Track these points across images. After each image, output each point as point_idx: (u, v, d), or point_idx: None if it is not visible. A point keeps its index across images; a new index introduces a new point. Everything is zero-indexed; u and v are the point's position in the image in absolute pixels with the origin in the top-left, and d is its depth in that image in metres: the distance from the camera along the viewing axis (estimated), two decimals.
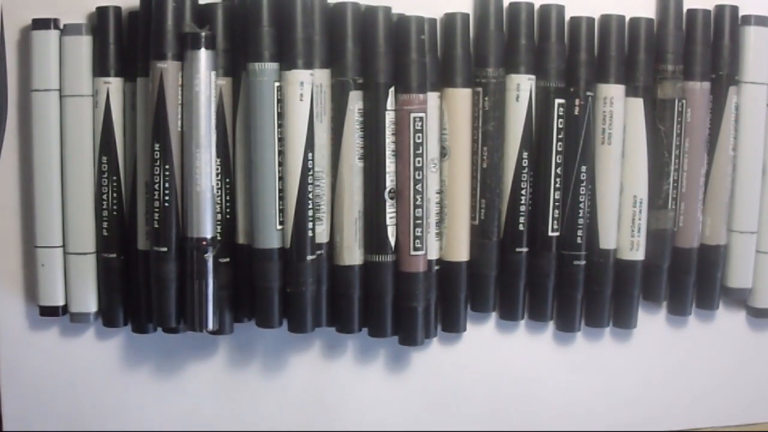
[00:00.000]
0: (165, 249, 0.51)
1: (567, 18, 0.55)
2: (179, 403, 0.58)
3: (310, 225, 0.53)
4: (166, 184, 0.51)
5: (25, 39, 0.54)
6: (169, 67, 0.51)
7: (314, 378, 0.58)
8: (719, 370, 0.59)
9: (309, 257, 0.53)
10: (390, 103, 0.53)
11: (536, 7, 0.55)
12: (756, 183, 0.56)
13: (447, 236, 0.56)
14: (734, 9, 0.56)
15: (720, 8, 0.55)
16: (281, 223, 0.52)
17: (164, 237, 0.51)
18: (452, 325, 0.57)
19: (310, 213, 0.53)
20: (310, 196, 0.52)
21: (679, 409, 0.60)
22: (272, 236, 0.52)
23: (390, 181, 0.53)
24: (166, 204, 0.51)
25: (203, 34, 0.50)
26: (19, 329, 0.56)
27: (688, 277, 0.57)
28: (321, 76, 0.53)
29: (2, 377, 0.56)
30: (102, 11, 0.53)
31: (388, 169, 0.53)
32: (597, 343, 0.59)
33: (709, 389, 0.60)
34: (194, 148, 0.50)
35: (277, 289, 0.53)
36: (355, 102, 0.53)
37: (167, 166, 0.51)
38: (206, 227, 0.51)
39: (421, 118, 0.53)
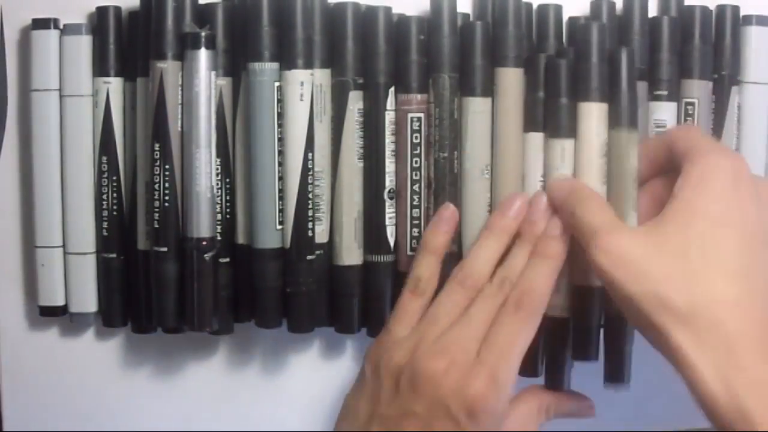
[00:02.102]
0: (165, 249, 0.51)
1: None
2: (179, 403, 0.58)
3: (310, 225, 0.53)
4: (166, 184, 0.51)
5: (25, 39, 0.54)
6: (169, 67, 0.51)
7: (314, 378, 0.58)
8: None
9: (309, 257, 0.53)
10: (390, 103, 0.53)
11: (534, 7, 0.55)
12: None
13: None
14: (735, 9, 0.55)
15: (721, 8, 0.55)
16: (281, 223, 0.52)
17: (164, 237, 0.51)
18: None
19: (310, 213, 0.53)
20: (310, 196, 0.52)
21: (678, 409, 0.60)
22: (272, 236, 0.52)
23: (389, 181, 0.53)
24: (166, 204, 0.51)
25: (203, 34, 0.50)
26: (19, 329, 0.56)
27: None
28: (321, 76, 0.52)
29: (2, 377, 0.56)
30: (102, 11, 0.53)
31: (387, 169, 0.53)
32: None
33: None
34: (194, 148, 0.50)
35: (277, 289, 0.53)
36: (355, 102, 0.53)
37: (167, 166, 0.51)
38: (206, 227, 0.51)
39: (419, 119, 0.53)
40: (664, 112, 0.54)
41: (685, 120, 0.54)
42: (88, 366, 0.57)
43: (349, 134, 0.53)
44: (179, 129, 0.51)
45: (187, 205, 0.51)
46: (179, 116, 0.51)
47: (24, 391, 0.57)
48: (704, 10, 0.54)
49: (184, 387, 0.58)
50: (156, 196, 0.51)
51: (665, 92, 0.54)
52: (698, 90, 0.54)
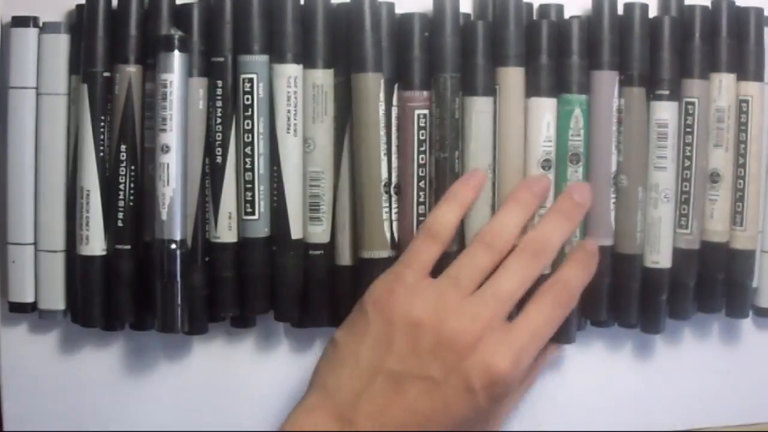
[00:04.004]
0: (128, 247, 0.53)
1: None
2: (178, 403, 0.57)
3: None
4: (132, 185, 0.52)
5: (4, 36, 0.53)
6: (136, 71, 0.51)
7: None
8: (721, 369, 0.59)
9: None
10: (394, 99, 0.53)
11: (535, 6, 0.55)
12: (762, 182, 0.56)
13: None
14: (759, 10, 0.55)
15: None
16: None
17: (128, 237, 0.53)
18: None
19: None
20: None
21: (679, 409, 0.60)
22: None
23: (394, 177, 0.53)
24: (131, 204, 0.52)
25: (176, 36, 0.50)
26: (19, 330, 0.56)
27: (689, 280, 0.56)
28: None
29: (3, 377, 0.56)
30: (82, 9, 0.53)
31: (393, 165, 0.53)
32: (597, 342, 0.58)
33: (709, 389, 0.59)
34: (164, 150, 0.50)
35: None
36: None
37: (133, 167, 0.52)
38: (176, 229, 0.51)
39: (425, 115, 0.53)
40: (665, 112, 0.54)
41: (686, 119, 0.54)
42: (89, 366, 0.57)
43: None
44: (148, 131, 0.52)
45: (155, 206, 0.51)
46: (145, 118, 0.52)
47: (24, 391, 0.56)
48: (704, 9, 0.54)
49: (184, 387, 0.57)
50: (121, 197, 0.52)
51: (666, 92, 0.54)
52: (698, 89, 0.54)
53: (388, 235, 0.53)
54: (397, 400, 0.47)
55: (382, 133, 0.52)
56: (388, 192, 0.53)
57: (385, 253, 0.53)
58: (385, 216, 0.53)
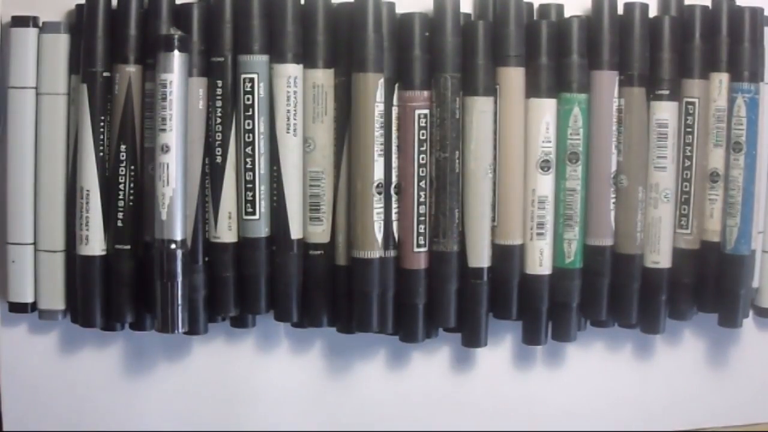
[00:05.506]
0: (128, 247, 0.52)
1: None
2: (178, 403, 0.57)
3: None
4: (131, 185, 0.52)
5: (4, 36, 0.53)
6: (136, 71, 0.51)
7: (313, 378, 0.58)
8: (721, 369, 0.59)
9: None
10: (394, 99, 0.53)
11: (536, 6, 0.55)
12: (763, 182, 0.56)
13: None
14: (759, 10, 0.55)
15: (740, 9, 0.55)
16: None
17: (128, 237, 0.52)
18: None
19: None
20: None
21: (679, 409, 0.60)
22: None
23: (394, 177, 0.53)
24: (131, 204, 0.52)
25: (176, 36, 0.50)
26: (19, 330, 0.56)
27: (689, 280, 0.56)
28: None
29: (2, 377, 0.56)
30: (82, 9, 0.53)
31: (393, 164, 0.53)
32: (597, 342, 0.59)
33: (709, 389, 0.60)
34: (164, 150, 0.50)
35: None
36: None
37: (132, 167, 0.52)
38: (176, 229, 0.51)
39: (425, 115, 0.53)
40: (665, 112, 0.54)
41: (686, 119, 0.54)
42: (88, 367, 0.57)
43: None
44: (148, 131, 0.52)
45: (155, 206, 0.51)
46: (145, 118, 0.52)
47: (24, 391, 0.56)
48: (704, 9, 0.54)
49: (184, 387, 0.57)
50: (121, 197, 0.52)
51: (666, 91, 0.54)
52: (699, 89, 0.54)
53: (379, 235, 0.53)
54: None
55: (378, 133, 0.52)
56: (381, 192, 0.53)
57: (376, 254, 0.53)
58: (376, 217, 0.53)
